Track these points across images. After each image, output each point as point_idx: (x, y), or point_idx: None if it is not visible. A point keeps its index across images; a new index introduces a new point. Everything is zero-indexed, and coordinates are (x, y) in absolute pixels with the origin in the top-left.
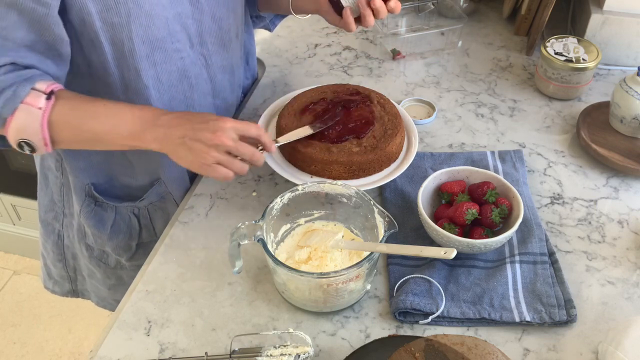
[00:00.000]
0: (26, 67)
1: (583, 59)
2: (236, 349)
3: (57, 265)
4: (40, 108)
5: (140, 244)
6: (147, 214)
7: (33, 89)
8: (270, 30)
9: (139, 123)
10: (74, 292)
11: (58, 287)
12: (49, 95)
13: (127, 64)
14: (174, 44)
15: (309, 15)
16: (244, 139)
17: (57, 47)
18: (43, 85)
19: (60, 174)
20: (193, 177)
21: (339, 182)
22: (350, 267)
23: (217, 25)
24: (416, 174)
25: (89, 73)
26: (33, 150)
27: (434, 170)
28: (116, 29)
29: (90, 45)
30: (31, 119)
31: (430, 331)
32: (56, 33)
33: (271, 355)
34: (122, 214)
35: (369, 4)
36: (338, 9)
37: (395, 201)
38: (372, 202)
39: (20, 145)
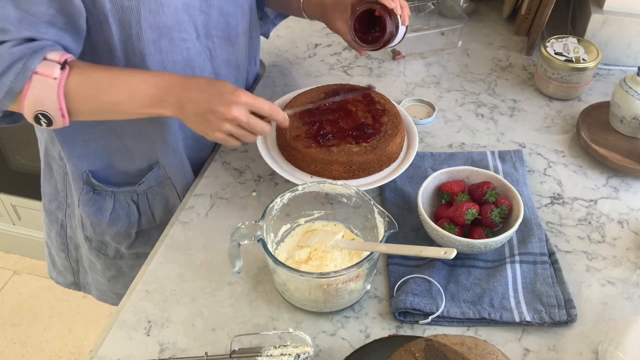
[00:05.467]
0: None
1: (583, 59)
2: (236, 349)
3: (60, 255)
4: (55, 78)
5: (140, 232)
6: (145, 200)
7: (45, 59)
8: (266, 36)
9: (154, 91)
10: (76, 285)
11: (62, 277)
12: (63, 65)
13: (133, 48)
14: (181, 33)
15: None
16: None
17: (76, 21)
18: (56, 56)
19: (64, 163)
20: (193, 164)
21: (339, 182)
22: (350, 267)
23: (224, 19)
24: (416, 174)
25: (92, 58)
26: (50, 122)
27: (434, 170)
28: (125, 12)
29: (98, 27)
30: (47, 89)
31: (430, 331)
32: (75, 5)
33: (271, 355)
34: (120, 201)
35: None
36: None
37: (395, 201)
38: (372, 202)
39: (37, 118)
